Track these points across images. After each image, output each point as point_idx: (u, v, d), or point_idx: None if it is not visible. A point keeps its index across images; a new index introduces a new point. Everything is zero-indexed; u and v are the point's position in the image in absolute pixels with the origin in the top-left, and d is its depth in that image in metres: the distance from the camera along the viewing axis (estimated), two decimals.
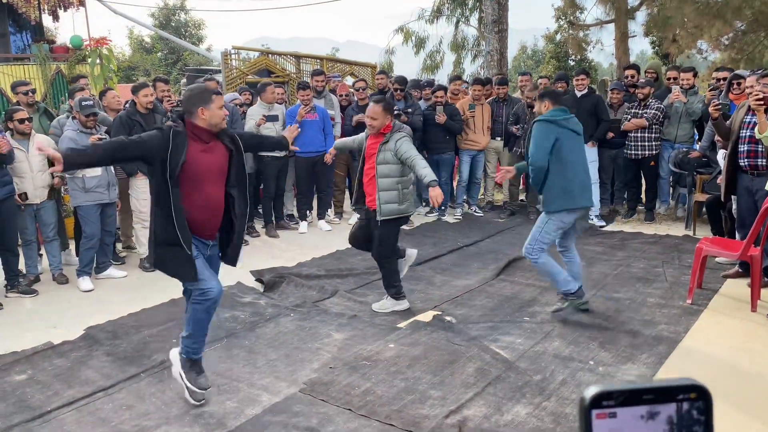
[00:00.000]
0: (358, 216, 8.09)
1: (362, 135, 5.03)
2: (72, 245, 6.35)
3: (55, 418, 3.42)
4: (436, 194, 4.36)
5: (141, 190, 6.03)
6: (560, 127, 4.43)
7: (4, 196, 5.23)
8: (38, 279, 5.77)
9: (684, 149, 7.30)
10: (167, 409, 3.47)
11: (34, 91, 6.37)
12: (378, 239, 4.79)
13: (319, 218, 7.86)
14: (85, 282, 5.62)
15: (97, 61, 8.98)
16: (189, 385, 3.46)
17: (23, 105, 5.97)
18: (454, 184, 8.51)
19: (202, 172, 3.34)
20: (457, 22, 19.59)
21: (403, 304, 4.90)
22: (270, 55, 11.12)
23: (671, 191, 8.01)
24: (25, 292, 5.48)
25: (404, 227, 7.62)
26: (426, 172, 4.46)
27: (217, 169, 3.42)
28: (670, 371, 3.74)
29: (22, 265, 5.68)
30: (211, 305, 3.44)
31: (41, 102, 7.08)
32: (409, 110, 7.56)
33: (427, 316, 4.76)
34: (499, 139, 8.12)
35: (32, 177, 5.50)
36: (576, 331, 4.37)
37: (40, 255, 5.95)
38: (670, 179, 7.81)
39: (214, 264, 3.63)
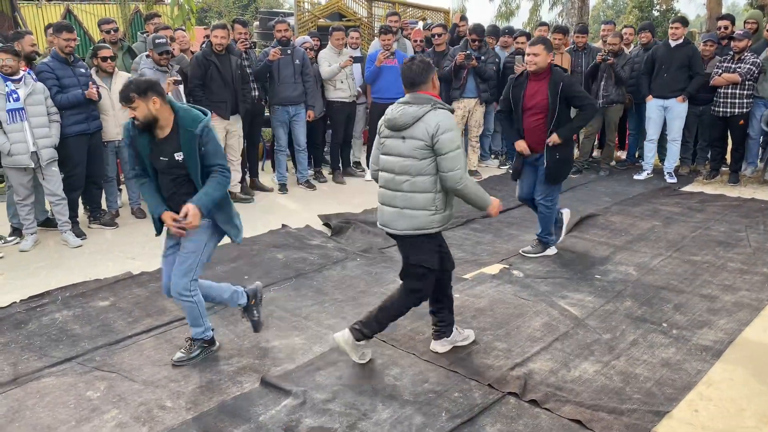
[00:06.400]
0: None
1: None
2: None
3: (135, 343, 3.61)
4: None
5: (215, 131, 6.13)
6: None
7: (95, 129, 5.47)
8: (118, 213, 6.03)
9: None
10: (239, 341, 3.61)
11: (117, 30, 6.52)
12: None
13: None
14: None
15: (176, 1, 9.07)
16: None
17: (107, 43, 6.12)
18: None
19: None
20: None
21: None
22: None
23: (760, 153, 7.52)
24: (107, 224, 5.75)
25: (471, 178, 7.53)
26: None
27: None
28: (751, 340, 3.58)
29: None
30: None
31: (124, 40, 7.24)
32: (482, 57, 7.32)
33: (493, 269, 4.71)
34: None
35: (114, 114, 5.67)
36: (649, 293, 4.22)
37: (120, 190, 6.20)
38: (761, 140, 7.32)
39: None
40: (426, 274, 3.22)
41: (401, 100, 3.17)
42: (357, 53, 7.53)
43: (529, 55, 4.52)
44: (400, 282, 3.36)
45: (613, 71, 7.21)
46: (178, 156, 3.13)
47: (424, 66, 3.13)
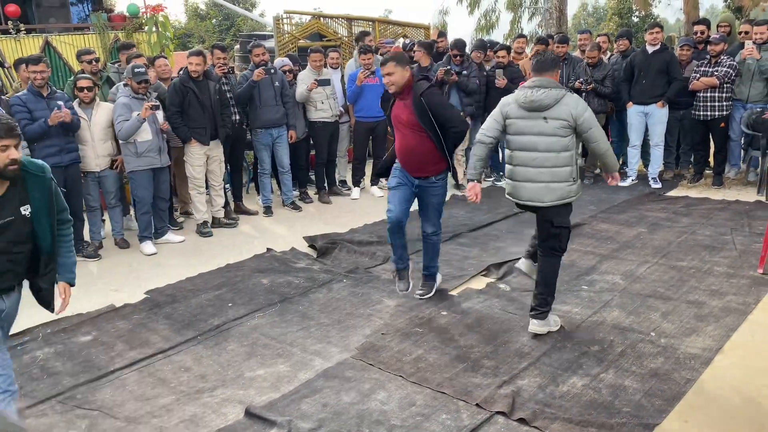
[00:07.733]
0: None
1: None
2: (132, 211, 6.52)
3: (118, 378, 3.55)
4: None
5: (195, 157, 6.11)
6: None
7: (69, 162, 5.41)
8: (101, 245, 5.96)
9: (758, 109, 6.84)
10: (223, 372, 3.55)
11: (98, 60, 6.50)
12: None
13: (372, 184, 7.82)
14: (148, 246, 5.78)
15: (154, 29, 9.09)
16: None
17: (87, 73, 6.09)
18: None
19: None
20: None
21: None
22: (322, 19, 11.01)
23: (742, 154, 7.56)
24: (90, 256, 5.68)
25: (457, 192, 7.50)
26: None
27: None
28: (739, 345, 3.56)
29: (85, 231, 5.89)
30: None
31: (104, 70, 7.22)
32: (464, 72, 7.34)
33: (480, 284, 4.68)
34: None
35: (93, 145, 5.63)
36: (636, 301, 4.20)
37: (103, 221, 6.14)
38: (742, 141, 7.37)
39: None
40: (566, 233, 3.76)
41: (532, 83, 3.55)
42: (338, 73, 7.56)
43: (384, 76, 4.05)
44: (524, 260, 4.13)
45: (595, 92, 7.28)
46: (25, 210, 2.70)
47: (557, 60, 3.71)
